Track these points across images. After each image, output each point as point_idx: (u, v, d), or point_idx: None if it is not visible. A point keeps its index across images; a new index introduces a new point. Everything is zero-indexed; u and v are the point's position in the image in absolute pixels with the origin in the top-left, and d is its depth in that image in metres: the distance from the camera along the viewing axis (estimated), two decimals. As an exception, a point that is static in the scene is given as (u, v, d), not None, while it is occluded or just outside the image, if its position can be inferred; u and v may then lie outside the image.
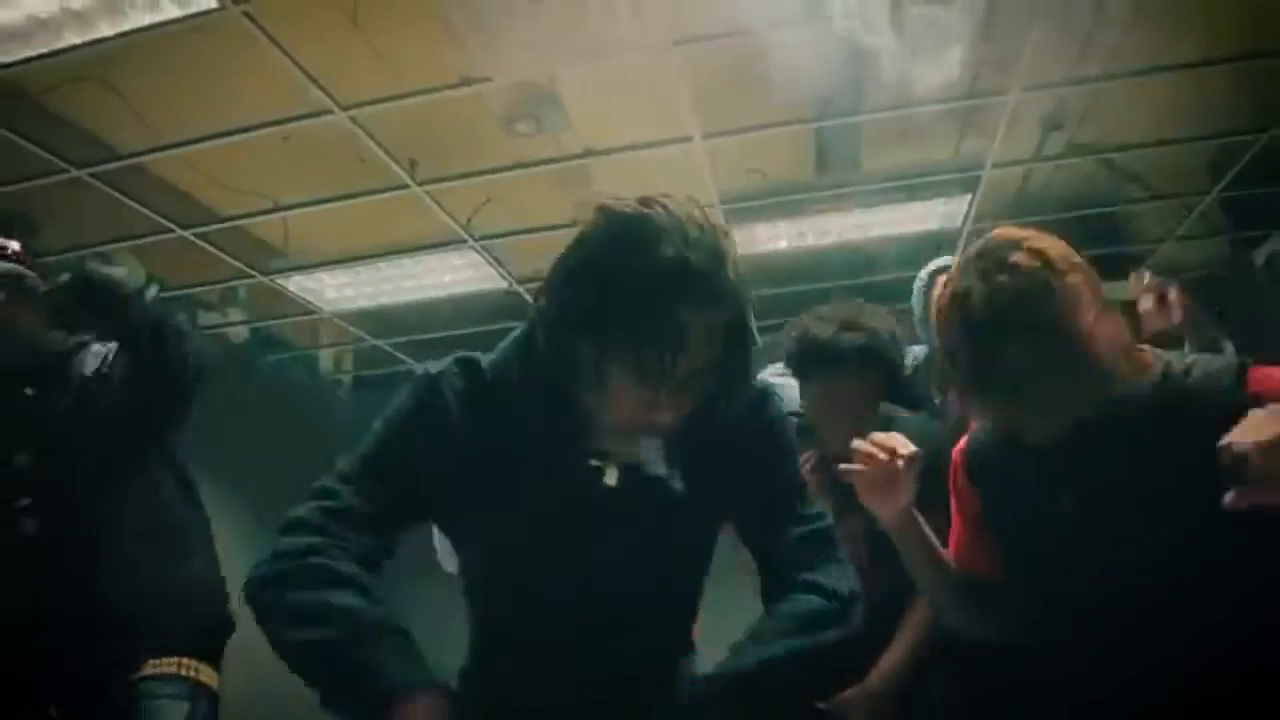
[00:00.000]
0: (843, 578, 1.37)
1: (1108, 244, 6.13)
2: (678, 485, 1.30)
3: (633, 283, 1.18)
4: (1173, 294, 2.64)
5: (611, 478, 1.29)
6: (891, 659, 2.08)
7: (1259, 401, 1.25)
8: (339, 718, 1.17)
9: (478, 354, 1.40)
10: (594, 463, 1.30)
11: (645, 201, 1.24)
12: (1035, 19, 3.69)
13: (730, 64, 3.87)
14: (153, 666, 1.74)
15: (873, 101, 4.28)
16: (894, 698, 2.06)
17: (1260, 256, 6.27)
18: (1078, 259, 1.47)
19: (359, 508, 1.25)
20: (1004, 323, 1.39)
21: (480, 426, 1.31)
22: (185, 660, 1.78)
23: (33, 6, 3.28)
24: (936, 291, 2.31)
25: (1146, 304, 2.71)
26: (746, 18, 3.54)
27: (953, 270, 1.56)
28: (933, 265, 2.94)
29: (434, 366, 1.38)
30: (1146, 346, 1.57)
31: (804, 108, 4.41)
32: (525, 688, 1.30)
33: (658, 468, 1.30)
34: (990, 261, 1.44)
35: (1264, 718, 1.33)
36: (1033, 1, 3.61)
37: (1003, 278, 1.41)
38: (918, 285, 2.95)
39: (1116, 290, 6.33)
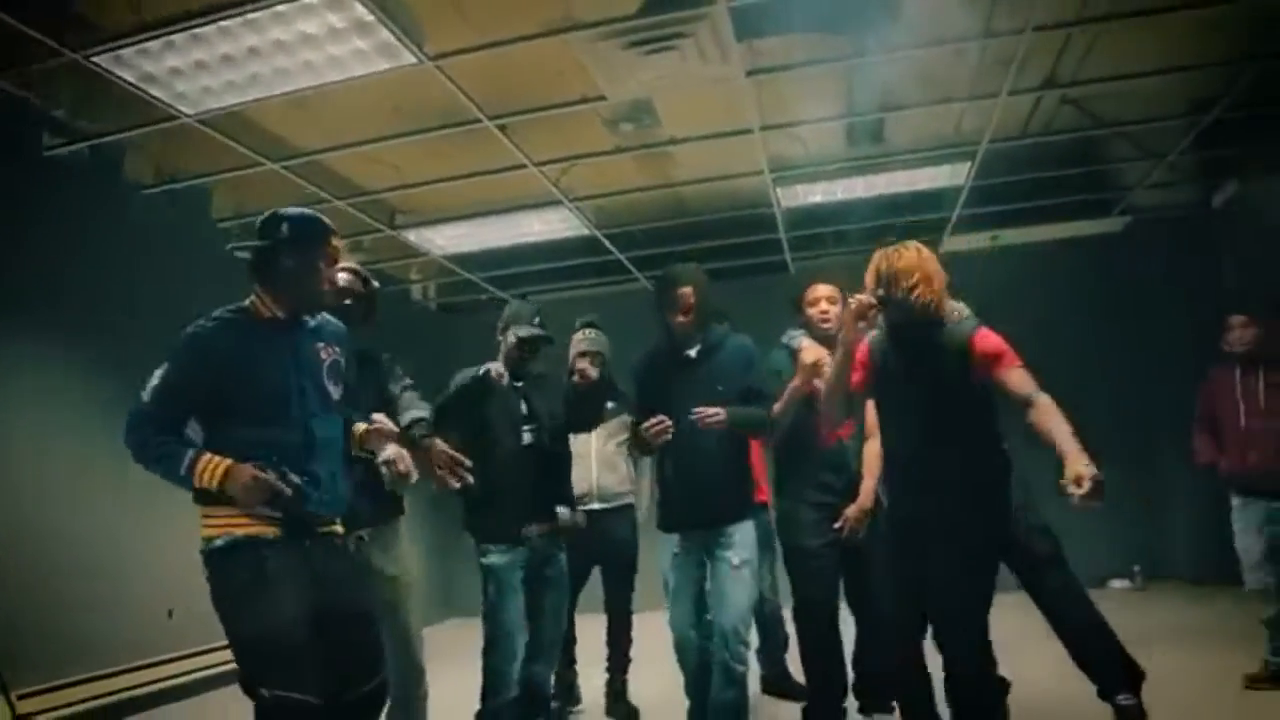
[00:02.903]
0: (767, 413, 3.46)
1: (1087, 191, 7.34)
2: (711, 361, 3.45)
3: (658, 286, 3.54)
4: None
5: (692, 353, 3.47)
6: (871, 482, 3.52)
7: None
8: None
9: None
10: (686, 352, 3.47)
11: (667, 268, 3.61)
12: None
13: (786, 81, 5.09)
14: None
15: (890, 99, 5.50)
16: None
17: (1216, 202, 7.47)
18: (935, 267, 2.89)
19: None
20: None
21: (657, 357, 3.56)
22: None
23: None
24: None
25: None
26: (801, 55, 4.78)
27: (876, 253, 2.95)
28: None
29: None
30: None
31: (837, 103, 5.60)
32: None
33: (703, 354, 3.48)
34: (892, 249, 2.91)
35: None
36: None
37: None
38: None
39: (1096, 227, 7.60)
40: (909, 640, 3.00)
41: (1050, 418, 2.62)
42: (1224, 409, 4.06)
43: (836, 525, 3.50)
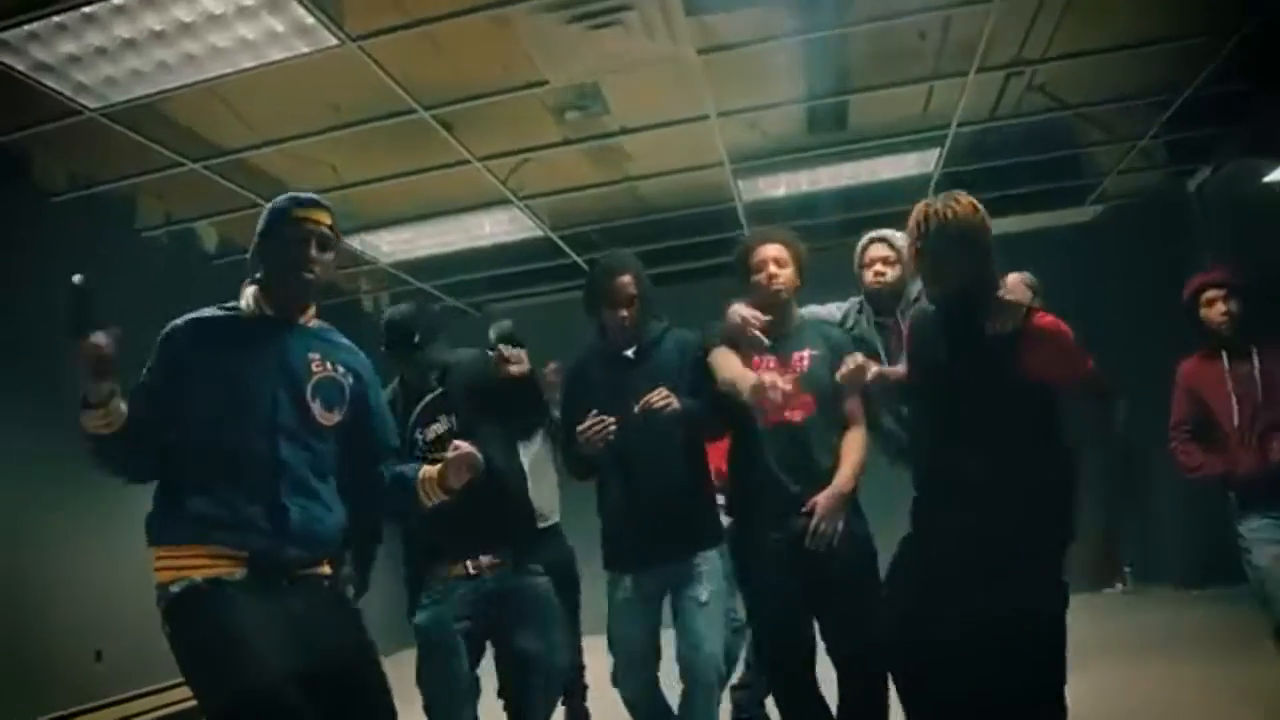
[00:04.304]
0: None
1: (1059, 179, 7.08)
2: (652, 360, 3.02)
3: (593, 277, 3.09)
4: None
5: (630, 353, 3.05)
6: (849, 469, 2.81)
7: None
8: None
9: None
10: (623, 352, 3.05)
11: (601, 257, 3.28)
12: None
13: (740, 61, 4.77)
14: None
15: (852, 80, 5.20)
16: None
17: (1191, 185, 7.24)
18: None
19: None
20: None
21: (589, 360, 3.16)
22: None
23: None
24: (866, 256, 3.28)
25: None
26: (755, 32, 4.46)
27: (920, 206, 2.50)
28: (869, 235, 3.40)
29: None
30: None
31: (796, 85, 5.30)
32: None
33: (643, 353, 3.05)
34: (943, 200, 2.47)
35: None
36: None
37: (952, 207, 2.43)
38: (858, 246, 3.40)
39: (1068, 216, 7.34)
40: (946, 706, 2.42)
41: None
42: (1219, 405, 3.42)
43: (804, 509, 2.73)
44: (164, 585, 2.04)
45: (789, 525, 2.73)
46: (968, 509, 2.36)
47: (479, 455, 2.35)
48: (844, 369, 2.68)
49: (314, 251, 2.23)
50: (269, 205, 2.31)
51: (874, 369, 2.69)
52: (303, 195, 2.29)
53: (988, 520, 2.31)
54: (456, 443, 2.38)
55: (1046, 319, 2.38)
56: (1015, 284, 2.50)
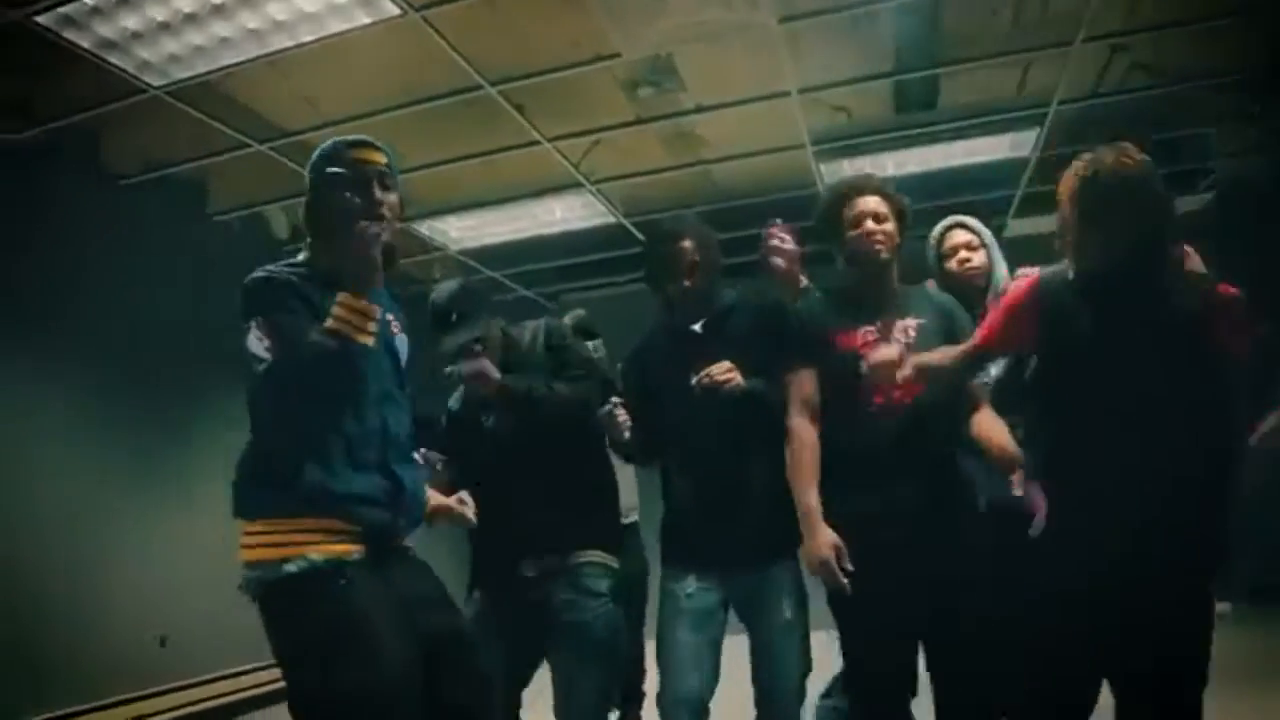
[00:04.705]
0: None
1: (1169, 163, 6.55)
2: (723, 333, 2.61)
3: (650, 245, 2.78)
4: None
5: (697, 328, 2.65)
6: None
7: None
8: None
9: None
10: (690, 326, 2.65)
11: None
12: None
13: (824, 32, 4.46)
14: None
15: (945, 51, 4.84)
16: None
17: (1319, 168, 6.63)
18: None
19: None
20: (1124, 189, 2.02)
21: (652, 338, 2.81)
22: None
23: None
24: (948, 243, 2.91)
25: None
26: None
27: (1081, 161, 2.09)
28: (945, 221, 3.02)
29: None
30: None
31: (885, 60, 4.97)
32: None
33: (711, 325, 2.64)
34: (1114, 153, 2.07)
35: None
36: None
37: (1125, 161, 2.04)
38: (933, 234, 3.02)
39: (1178, 204, 6.79)
40: None
41: None
42: None
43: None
44: (269, 563, 1.83)
45: (897, 527, 2.31)
46: (1138, 511, 1.98)
47: (472, 520, 2.30)
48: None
49: (379, 193, 2.01)
50: (314, 155, 2.09)
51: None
52: (348, 136, 2.08)
53: (1160, 526, 1.96)
54: (463, 495, 2.31)
55: (1231, 290, 2.04)
56: (1190, 253, 2.16)
